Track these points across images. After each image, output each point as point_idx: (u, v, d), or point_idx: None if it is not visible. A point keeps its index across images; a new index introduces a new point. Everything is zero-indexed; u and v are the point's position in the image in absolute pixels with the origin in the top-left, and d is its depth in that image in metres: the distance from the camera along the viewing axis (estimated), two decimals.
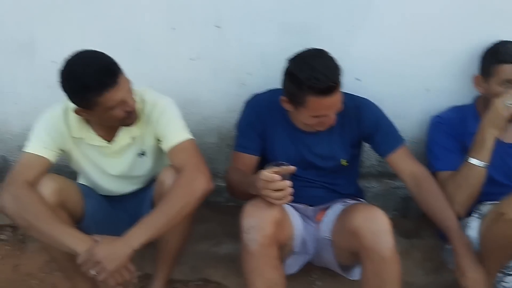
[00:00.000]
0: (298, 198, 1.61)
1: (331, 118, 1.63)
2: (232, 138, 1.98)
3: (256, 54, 1.94)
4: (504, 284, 1.70)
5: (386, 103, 1.97)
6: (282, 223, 1.56)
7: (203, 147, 1.85)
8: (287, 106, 1.66)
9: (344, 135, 1.78)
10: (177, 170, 1.58)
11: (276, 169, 1.47)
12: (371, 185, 2.17)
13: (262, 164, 1.66)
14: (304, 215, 1.80)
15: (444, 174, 1.79)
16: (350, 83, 1.92)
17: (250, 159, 1.79)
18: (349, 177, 1.88)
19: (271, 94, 1.80)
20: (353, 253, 1.59)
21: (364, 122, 1.76)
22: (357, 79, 1.96)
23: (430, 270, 1.95)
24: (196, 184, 1.53)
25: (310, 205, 1.82)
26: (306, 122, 1.67)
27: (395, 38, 1.90)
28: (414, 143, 2.04)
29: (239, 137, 1.83)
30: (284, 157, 1.71)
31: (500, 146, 1.82)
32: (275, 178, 1.44)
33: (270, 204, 1.49)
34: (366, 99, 1.81)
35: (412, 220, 2.18)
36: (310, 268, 1.87)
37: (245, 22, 1.89)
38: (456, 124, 1.86)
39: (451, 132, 1.85)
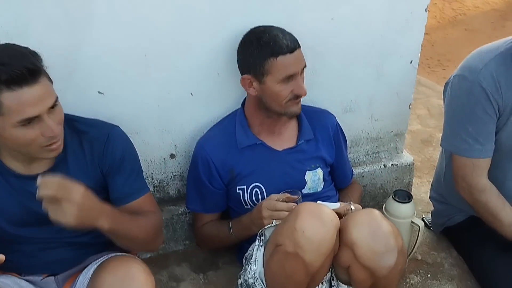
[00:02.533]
0: (31, 267, 1.24)
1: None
2: None
3: None
4: None
5: (142, 117, 1.59)
6: None
7: None
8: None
9: (86, 175, 1.31)
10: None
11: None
12: None
13: None
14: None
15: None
16: (91, 99, 1.49)
17: None
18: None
19: None
20: None
21: (105, 161, 1.32)
22: (100, 93, 1.51)
23: None
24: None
25: (52, 274, 1.33)
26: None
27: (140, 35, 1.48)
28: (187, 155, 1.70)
29: None
30: (1, 214, 1.26)
31: (274, 156, 1.56)
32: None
33: None
34: (116, 128, 1.37)
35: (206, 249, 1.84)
36: None
37: None
38: (224, 146, 1.56)
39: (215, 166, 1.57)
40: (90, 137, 1.31)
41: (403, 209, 1.63)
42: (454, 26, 4.77)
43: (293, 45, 1.41)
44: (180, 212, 1.78)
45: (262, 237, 1.40)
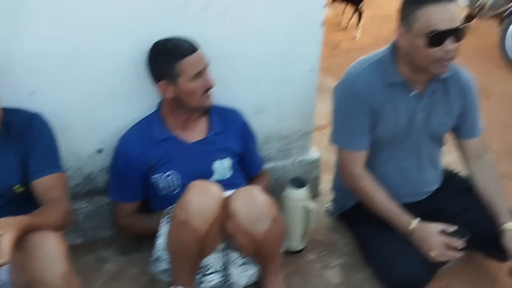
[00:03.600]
0: None
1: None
2: None
3: None
4: (204, 285, 1.66)
5: (70, 115, 1.82)
6: None
7: None
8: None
9: (11, 156, 1.53)
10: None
11: None
12: (81, 206, 1.97)
13: None
14: None
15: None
16: (23, 99, 1.71)
17: None
18: (28, 208, 1.62)
19: None
20: None
21: (25, 140, 1.54)
22: (31, 93, 1.73)
23: (145, 284, 1.83)
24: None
25: None
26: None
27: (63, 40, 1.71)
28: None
29: None
30: None
31: (185, 148, 1.80)
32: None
33: None
34: (37, 114, 1.60)
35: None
36: None
37: None
38: (142, 141, 1.81)
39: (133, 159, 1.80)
40: (14, 123, 1.53)
41: (298, 194, 1.90)
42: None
43: (192, 47, 1.69)
44: (107, 202, 2.00)
45: (168, 215, 1.65)
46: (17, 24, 1.62)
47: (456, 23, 1.58)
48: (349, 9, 5.32)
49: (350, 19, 5.39)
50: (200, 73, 1.71)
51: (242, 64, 1.99)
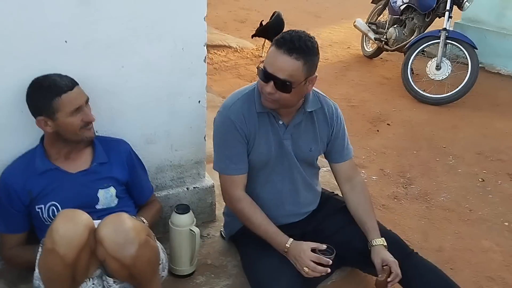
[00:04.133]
0: None
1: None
2: None
3: None
4: None
5: None
6: None
7: None
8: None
9: None
10: None
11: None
12: None
13: None
14: None
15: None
16: None
17: None
18: None
19: None
20: None
21: None
22: None
23: None
24: None
25: None
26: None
27: None
28: None
29: None
30: None
31: (68, 178, 1.87)
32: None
33: None
34: None
35: None
36: None
37: None
38: (23, 173, 1.85)
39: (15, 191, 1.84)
40: None
41: (182, 219, 2.00)
42: None
43: (70, 84, 1.78)
44: None
45: (41, 244, 1.70)
46: None
47: (279, 73, 1.73)
48: (268, 42, 5.58)
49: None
50: (79, 108, 1.79)
51: (129, 97, 2.09)
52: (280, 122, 1.94)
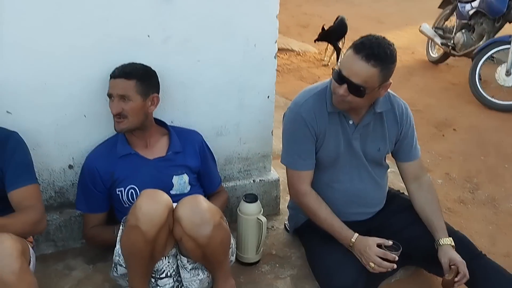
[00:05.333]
0: None
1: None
2: None
3: None
4: None
5: (43, 133, 2.01)
6: None
7: None
8: None
9: None
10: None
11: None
12: (52, 218, 2.14)
13: None
14: None
15: None
16: (1, 117, 1.91)
17: None
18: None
19: None
20: None
21: (2, 155, 1.74)
22: (8, 112, 1.94)
23: None
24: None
25: None
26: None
27: (34, 65, 1.91)
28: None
29: None
30: None
31: (146, 164, 1.99)
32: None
33: None
34: (14, 132, 1.80)
35: None
36: None
37: None
38: (106, 157, 2.00)
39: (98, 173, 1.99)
40: None
41: (250, 208, 2.07)
42: None
43: (121, 73, 1.90)
44: (77, 214, 2.17)
45: (124, 222, 1.82)
46: None
47: (354, 77, 1.75)
48: (331, 47, 5.61)
49: (331, 56, 5.67)
50: (110, 96, 1.92)
51: (201, 91, 2.20)
52: (350, 122, 1.97)
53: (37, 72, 1.92)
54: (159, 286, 1.81)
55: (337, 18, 5.46)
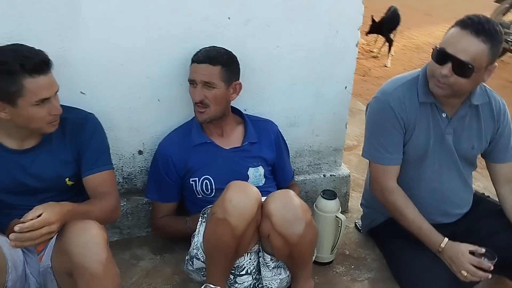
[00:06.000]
0: None
1: (55, 106, 1.51)
2: None
3: None
4: (237, 286, 1.71)
5: (116, 116, 1.92)
6: None
7: None
8: (3, 114, 1.47)
9: (66, 151, 1.64)
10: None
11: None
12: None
13: None
14: (24, 249, 1.60)
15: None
16: (73, 98, 1.82)
17: None
18: (77, 199, 1.72)
19: None
20: (72, 276, 1.43)
21: (79, 137, 1.65)
22: (82, 93, 1.85)
23: (178, 283, 1.89)
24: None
25: None
26: (34, 117, 1.48)
27: (117, 45, 1.82)
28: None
29: None
30: None
31: (222, 153, 1.89)
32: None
33: None
34: (91, 114, 1.71)
35: None
36: None
37: None
38: (181, 145, 1.90)
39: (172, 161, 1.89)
40: (69, 120, 1.64)
41: (329, 205, 1.95)
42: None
43: (202, 58, 1.78)
44: (144, 202, 2.08)
45: (205, 214, 1.71)
46: (76, 27, 1.75)
47: (461, 54, 1.60)
48: (381, 38, 5.41)
49: (381, 48, 5.48)
50: (193, 83, 1.81)
51: (278, 78, 2.07)
52: (443, 115, 1.82)
53: (115, 52, 1.83)
54: (237, 283, 1.71)
55: (389, 9, 5.27)
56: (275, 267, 1.70)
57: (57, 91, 1.53)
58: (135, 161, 2.05)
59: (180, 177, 1.91)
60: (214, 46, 1.82)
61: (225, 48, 1.84)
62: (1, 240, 1.51)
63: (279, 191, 1.65)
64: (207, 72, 1.76)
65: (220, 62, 1.76)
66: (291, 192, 1.61)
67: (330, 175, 2.34)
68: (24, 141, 1.59)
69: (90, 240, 1.38)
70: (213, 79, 1.75)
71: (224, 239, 1.53)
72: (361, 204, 2.21)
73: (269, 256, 1.68)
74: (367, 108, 1.95)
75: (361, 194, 2.24)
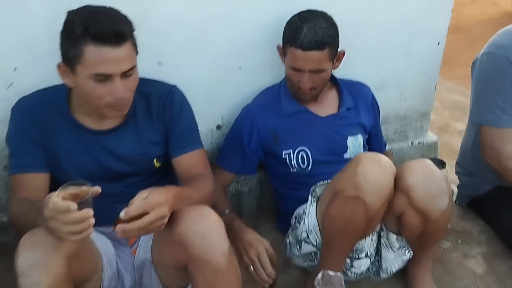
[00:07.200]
0: (102, 220, 1.16)
1: (118, 89, 1.22)
2: (6, 157, 1.48)
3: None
4: (353, 270, 1.52)
5: (195, 87, 1.70)
6: (78, 254, 1.14)
7: None
8: (67, 80, 1.25)
9: (153, 129, 1.42)
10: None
11: (73, 191, 1.05)
12: None
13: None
14: (114, 240, 1.40)
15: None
16: (150, 69, 1.59)
17: (37, 180, 1.33)
18: (163, 183, 1.50)
19: (43, 93, 1.37)
20: (181, 270, 1.26)
21: (167, 114, 1.42)
22: (159, 64, 1.62)
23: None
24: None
25: None
26: (91, 92, 1.23)
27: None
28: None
29: (13, 155, 1.35)
30: (75, 168, 1.35)
31: (318, 122, 1.67)
32: (70, 208, 1.00)
33: None
34: (175, 87, 1.48)
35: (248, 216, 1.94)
36: None
37: None
38: (269, 111, 1.68)
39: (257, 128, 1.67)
40: (154, 95, 1.41)
41: None
42: (454, 33, 4.97)
43: (309, 45, 1.49)
44: None
45: (314, 193, 1.51)
46: None
47: None
48: None
49: None
50: (299, 70, 1.57)
51: (368, 36, 1.85)
52: None
53: (195, 17, 1.59)
54: (354, 267, 1.51)
55: None
56: (400, 247, 1.50)
57: (129, 72, 1.25)
58: (212, 137, 1.84)
59: (263, 147, 1.69)
60: (314, 20, 1.52)
61: (322, 12, 1.58)
62: (96, 235, 1.32)
63: (415, 161, 1.42)
64: (316, 59, 1.50)
65: (328, 42, 1.50)
66: (429, 162, 1.40)
67: (418, 142, 2.13)
68: (102, 120, 1.37)
69: (210, 230, 1.18)
70: (323, 65, 1.52)
71: (355, 219, 1.33)
72: (458, 172, 2.01)
73: (395, 236, 1.48)
74: (473, 66, 1.73)
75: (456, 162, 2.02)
